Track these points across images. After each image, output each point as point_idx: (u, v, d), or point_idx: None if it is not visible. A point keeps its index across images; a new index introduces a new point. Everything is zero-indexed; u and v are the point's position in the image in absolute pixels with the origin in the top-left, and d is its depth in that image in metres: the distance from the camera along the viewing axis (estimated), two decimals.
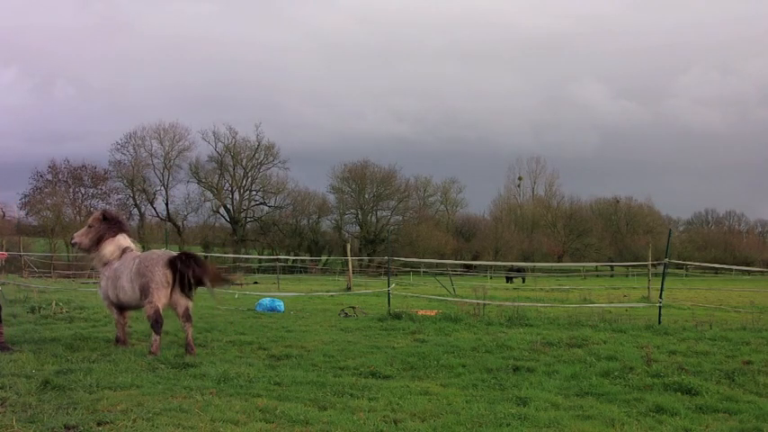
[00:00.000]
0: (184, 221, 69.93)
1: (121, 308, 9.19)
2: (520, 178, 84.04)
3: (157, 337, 8.62)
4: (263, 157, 71.69)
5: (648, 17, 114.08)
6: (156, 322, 8.56)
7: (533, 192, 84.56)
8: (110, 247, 9.19)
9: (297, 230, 71.83)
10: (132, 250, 9.35)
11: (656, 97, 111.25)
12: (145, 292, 8.62)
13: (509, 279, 45.12)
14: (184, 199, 69.04)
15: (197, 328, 10.85)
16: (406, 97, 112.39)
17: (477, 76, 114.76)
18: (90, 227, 9.35)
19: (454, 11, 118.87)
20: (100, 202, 61.29)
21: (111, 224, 9.37)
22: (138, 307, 9.15)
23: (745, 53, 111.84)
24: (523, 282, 42.95)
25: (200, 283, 8.87)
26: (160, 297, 8.61)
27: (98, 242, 9.24)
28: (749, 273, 45.90)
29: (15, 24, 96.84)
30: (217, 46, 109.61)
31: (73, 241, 9.39)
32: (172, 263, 8.74)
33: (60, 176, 59.08)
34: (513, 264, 50.23)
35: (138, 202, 67.03)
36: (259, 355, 8.75)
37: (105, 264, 9.18)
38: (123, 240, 9.36)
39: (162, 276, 8.63)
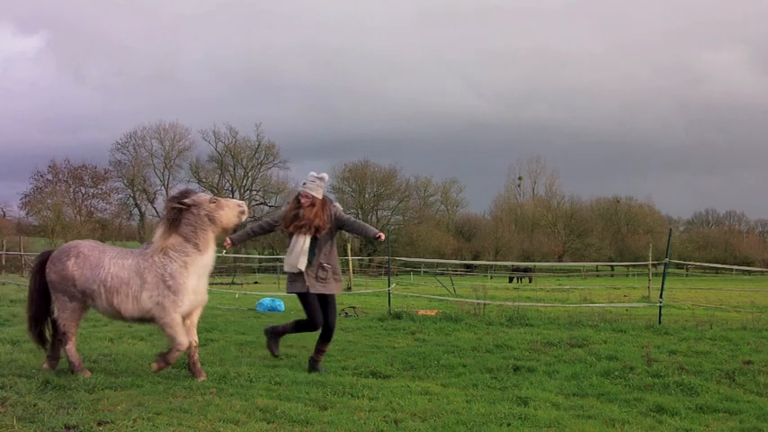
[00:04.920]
0: None
1: None
2: (520, 178, 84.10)
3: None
4: (263, 156, 71.78)
5: (644, 11, 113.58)
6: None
7: (533, 191, 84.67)
8: None
9: None
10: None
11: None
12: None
13: (513, 279, 45.10)
14: None
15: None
16: (404, 98, 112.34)
17: (474, 77, 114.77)
18: None
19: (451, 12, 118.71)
20: (100, 201, 61.47)
21: None
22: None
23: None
24: (530, 281, 42.88)
25: None
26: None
27: None
28: (749, 273, 45.89)
29: None
30: (217, 46, 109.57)
31: None
32: None
33: (60, 176, 59.09)
34: (516, 264, 50.21)
35: (138, 201, 67.21)
36: (259, 354, 8.75)
37: None
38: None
39: None
